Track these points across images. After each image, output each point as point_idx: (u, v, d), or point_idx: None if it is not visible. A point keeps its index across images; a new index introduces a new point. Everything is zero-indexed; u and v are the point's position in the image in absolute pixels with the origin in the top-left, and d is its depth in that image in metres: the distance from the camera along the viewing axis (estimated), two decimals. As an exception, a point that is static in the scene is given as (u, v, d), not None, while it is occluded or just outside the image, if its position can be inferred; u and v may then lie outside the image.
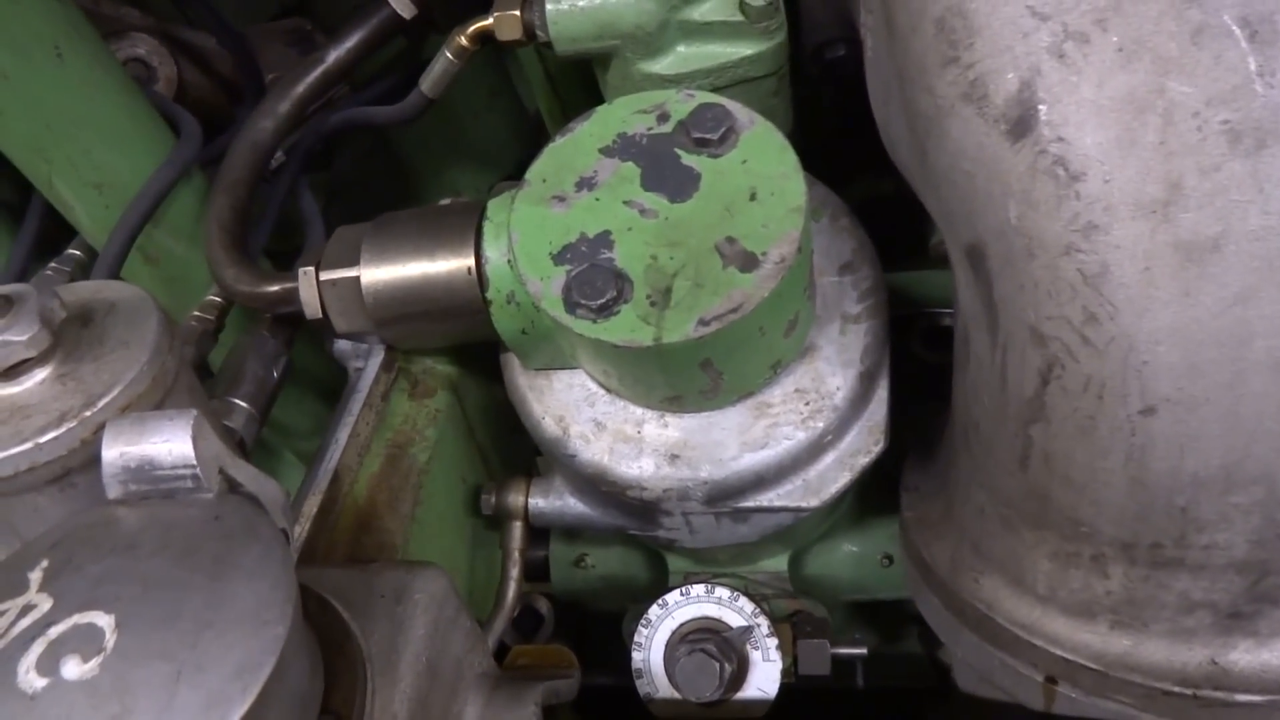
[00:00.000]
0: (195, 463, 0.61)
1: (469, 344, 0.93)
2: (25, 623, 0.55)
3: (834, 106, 1.24)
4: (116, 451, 0.62)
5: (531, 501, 0.95)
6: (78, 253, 1.10)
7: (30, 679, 0.52)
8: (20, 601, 0.57)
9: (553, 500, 0.94)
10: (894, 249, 1.00)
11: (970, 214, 0.71)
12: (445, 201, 1.07)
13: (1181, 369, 0.64)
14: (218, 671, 0.52)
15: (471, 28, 0.91)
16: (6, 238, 1.11)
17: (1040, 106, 0.64)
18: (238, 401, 0.88)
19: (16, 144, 0.90)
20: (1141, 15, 0.62)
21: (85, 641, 0.54)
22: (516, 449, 1.11)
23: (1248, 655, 0.72)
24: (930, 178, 0.75)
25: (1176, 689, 0.73)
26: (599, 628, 1.29)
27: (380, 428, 0.88)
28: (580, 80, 1.03)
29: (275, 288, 0.89)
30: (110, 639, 0.54)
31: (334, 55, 1.08)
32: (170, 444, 0.61)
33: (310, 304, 0.85)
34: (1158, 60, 0.62)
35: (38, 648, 0.54)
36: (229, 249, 0.93)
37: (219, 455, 0.63)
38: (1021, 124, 0.65)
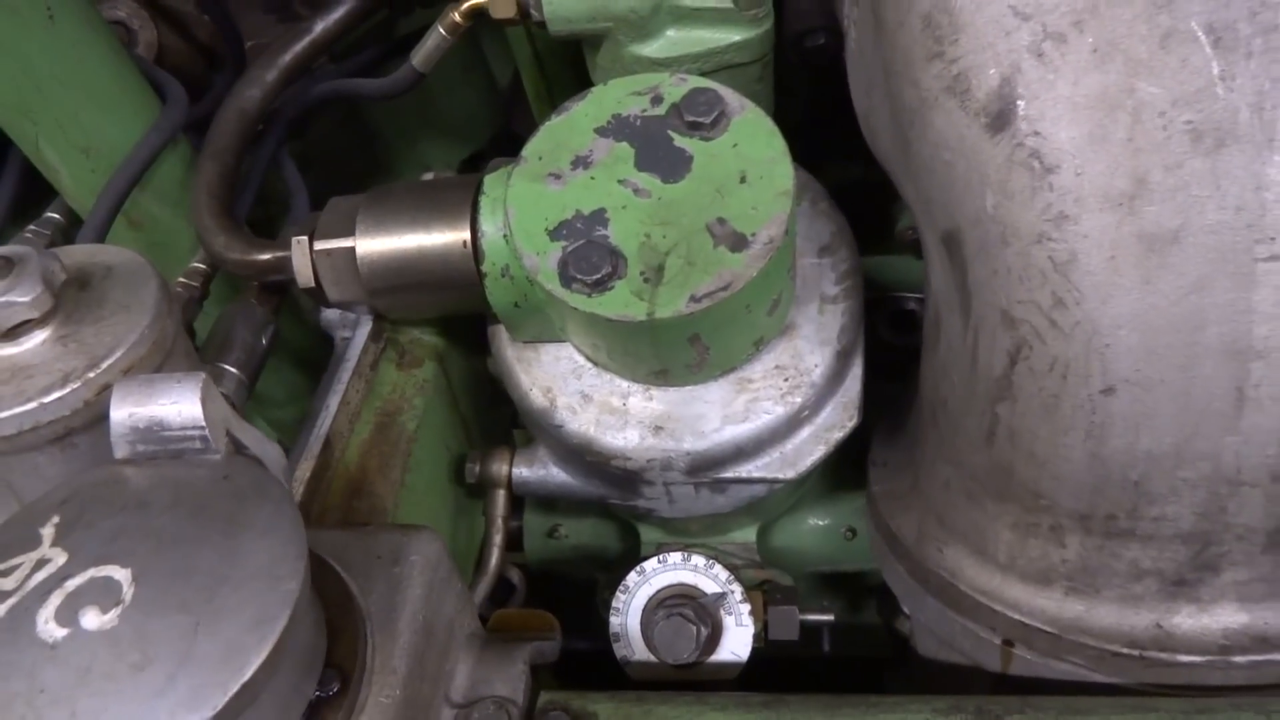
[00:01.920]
0: (204, 424, 0.63)
1: (456, 315, 0.95)
2: (41, 575, 0.57)
3: (810, 93, 1.27)
4: (125, 412, 0.64)
5: (515, 470, 0.97)
6: (56, 216, 1.10)
7: (50, 629, 0.54)
8: (34, 555, 0.58)
9: (536, 470, 0.97)
10: (860, 234, 1.04)
11: (949, 202, 0.75)
12: (428, 176, 1.09)
13: (1140, 352, 0.69)
14: (235, 623, 0.54)
15: (466, 4, 0.93)
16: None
17: (1019, 102, 0.68)
18: (227, 367, 0.89)
19: (4, 105, 0.90)
20: (1115, 19, 0.66)
21: (103, 594, 0.55)
22: (496, 421, 1.13)
23: (1190, 619, 0.78)
24: (911, 167, 0.79)
25: (1124, 650, 0.78)
26: (569, 597, 1.33)
27: (370, 396, 0.90)
28: (567, 59, 1.05)
29: (266, 256, 0.90)
30: (128, 591, 0.55)
31: (321, 26, 1.08)
32: (179, 405, 0.63)
33: (303, 273, 0.86)
34: (1129, 62, 0.66)
35: (55, 599, 0.55)
36: (218, 216, 0.94)
37: (226, 417, 0.65)
38: (1001, 118, 0.69)
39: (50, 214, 1.10)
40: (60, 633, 0.54)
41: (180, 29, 1.31)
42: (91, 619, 0.54)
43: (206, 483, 0.62)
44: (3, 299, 0.68)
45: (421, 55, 0.98)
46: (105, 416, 0.69)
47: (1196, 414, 0.70)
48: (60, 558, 0.58)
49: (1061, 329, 0.70)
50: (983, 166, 0.70)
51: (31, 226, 1.08)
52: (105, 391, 0.69)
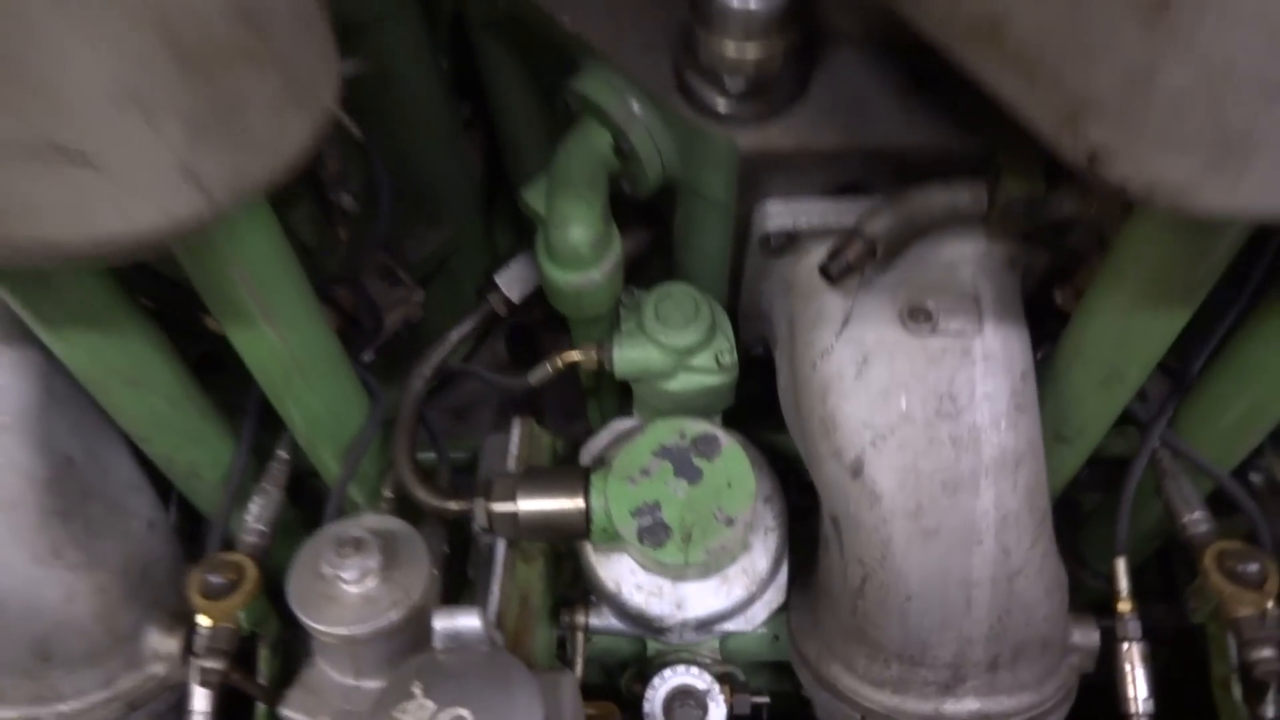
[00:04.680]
0: (484, 632, 1.29)
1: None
2: (425, 713, 1.22)
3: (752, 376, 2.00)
4: (442, 625, 1.29)
5: (591, 620, 1.67)
6: (285, 455, 1.73)
7: (440, 739, 1.20)
8: (416, 703, 1.23)
9: (603, 620, 1.66)
10: (776, 415, 1.76)
11: (831, 500, 1.46)
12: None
13: (923, 581, 1.40)
14: (523, 733, 1.21)
15: (568, 358, 1.61)
16: (230, 438, 1.71)
17: (866, 465, 1.41)
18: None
19: (302, 426, 1.54)
20: (906, 433, 1.37)
21: (461, 721, 1.21)
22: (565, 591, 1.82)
23: (952, 706, 1.43)
24: (813, 472, 1.52)
25: (895, 725, 1.49)
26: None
27: (514, 585, 1.57)
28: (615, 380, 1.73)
29: (455, 506, 1.56)
30: (471, 720, 1.22)
31: (455, 335, 1.76)
32: (471, 622, 1.29)
33: (480, 521, 1.52)
34: (914, 452, 1.39)
35: (438, 725, 1.21)
36: (416, 474, 1.59)
37: (488, 626, 1.31)
38: (857, 471, 1.41)
39: (281, 452, 1.73)
40: (445, 740, 1.20)
41: (335, 308, 1.95)
42: (458, 734, 1.21)
43: (486, 664, 1.28)
44: (363, 564, 1.34)
45: (535, 377, 1.65)
46: (413, 623, 1.36)
47: (949, 610, 1.37)
48: (430, 705, 1.23)
49: (886, 569, 1.42)
50: (847, 492, 1.42)
51: (274, 465, 1.71)
52: (413, 610, 1.35)
